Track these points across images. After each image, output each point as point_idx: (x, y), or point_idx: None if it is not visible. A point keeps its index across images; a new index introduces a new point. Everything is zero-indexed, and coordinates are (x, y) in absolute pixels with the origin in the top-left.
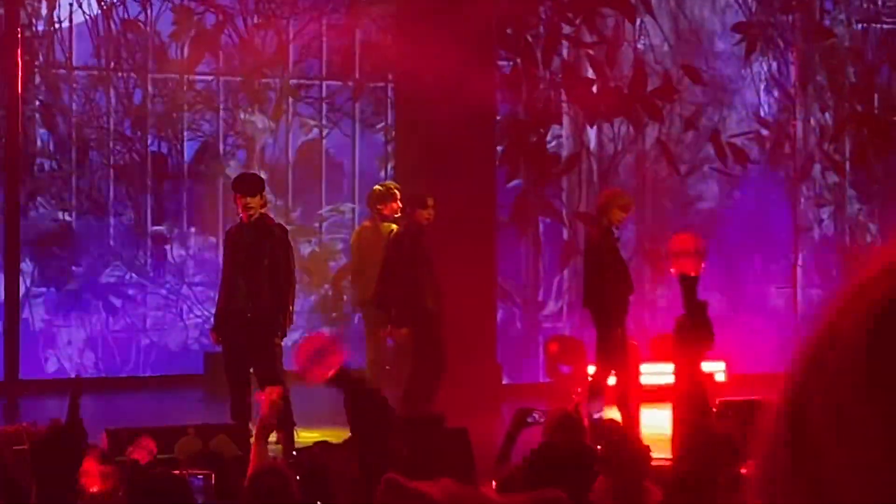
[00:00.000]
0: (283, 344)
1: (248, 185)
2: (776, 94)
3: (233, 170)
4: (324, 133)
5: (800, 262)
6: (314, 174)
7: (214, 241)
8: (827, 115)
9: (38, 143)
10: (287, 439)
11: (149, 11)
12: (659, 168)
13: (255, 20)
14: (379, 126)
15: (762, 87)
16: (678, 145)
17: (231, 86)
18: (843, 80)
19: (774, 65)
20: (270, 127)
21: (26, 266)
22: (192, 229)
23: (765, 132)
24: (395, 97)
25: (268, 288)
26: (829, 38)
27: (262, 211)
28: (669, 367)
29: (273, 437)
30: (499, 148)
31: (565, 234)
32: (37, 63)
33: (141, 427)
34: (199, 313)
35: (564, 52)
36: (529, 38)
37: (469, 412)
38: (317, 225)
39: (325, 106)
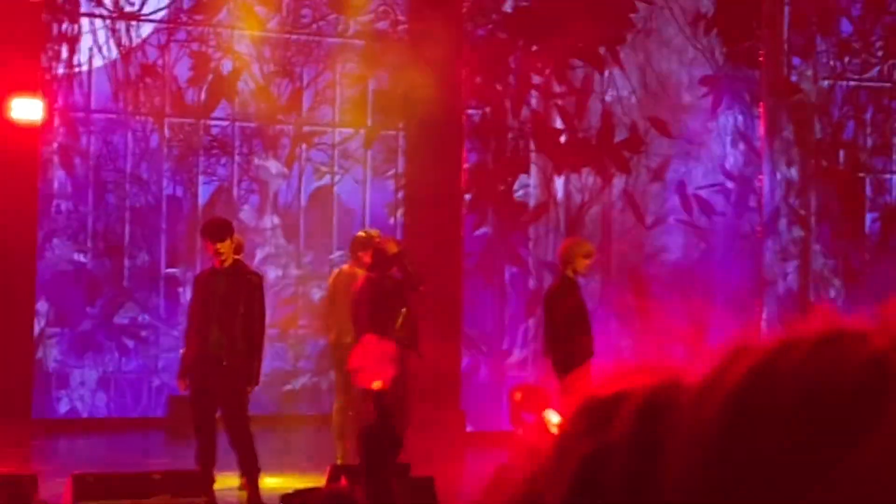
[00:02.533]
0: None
1: (215, 230)
2: (742, 147)
3: (247, 214)
4: (335, 179)
5: (764, 315)
6: (326, 219)
7: None
8: (793, 169)
9: (56, 184)
10: (252, 484)
11: (167, 57)
12: (625, 219)
13: (271, 67)
14: (389, 173)
15: (728, 140)
16: (644, 196)
17: (246, 131)
18: (809, 135)
19: (741, 118)
20: (284, 172)
21: (41, 306)
22: None
23: (730, 185)
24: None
25: (242, 335)
26: (796, 93)
27: (236, 257)
28: None
29: (237, 483)
30: (467, 196)
31: (531, 283)
32: (56, 105)
33: (104, 474)
34: None
35: (533, 102)
36: (499, 88)
37: (433, 459)
38: (327, 270)
39: (337, 152)
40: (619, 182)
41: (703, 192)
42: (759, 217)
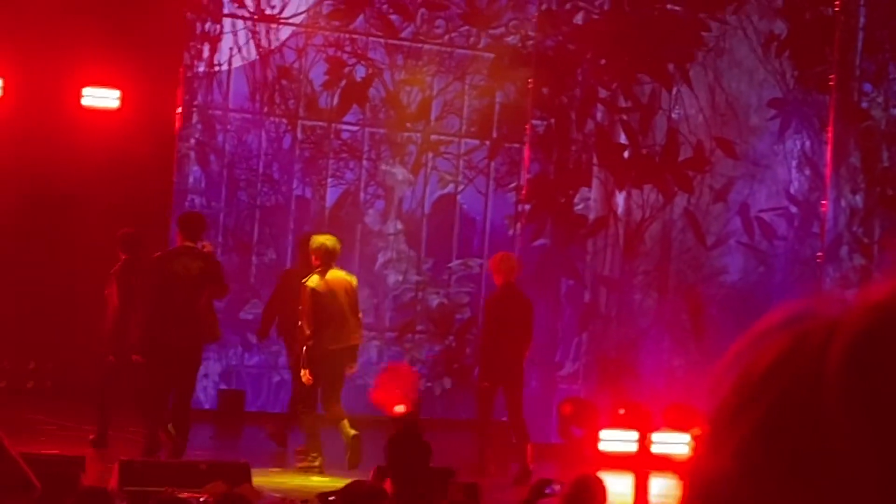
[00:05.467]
0: None
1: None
2: (808, 172)
3: (371, 218)
4: (459, 188)
5: None
6: (447, 228)
7: None
8: (858, 196)
9: (191, 179)
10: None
11: (303, 60)
12: (685, 238)
13: (402, 76)
14: (512, 185)
15: (794, 164)
16: (706, 216)
17: (375, 137)
18: (876, 162)
19: (808, 143)
20: (409, 179)
21: None
22: None
23: (794, 209)
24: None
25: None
26: (865, 120)
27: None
28: (682, 437)
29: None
30: (527, 206)
31: (586, 297)
32: (195, 103)
33: (155, 461)
34: None
35: (598, 116)
36: (565, 100)
37: (479, 467)
38: (446, 277)
39: (462, 162)
40: (680, 200)
41: (765, 215)
42: (820, 243)
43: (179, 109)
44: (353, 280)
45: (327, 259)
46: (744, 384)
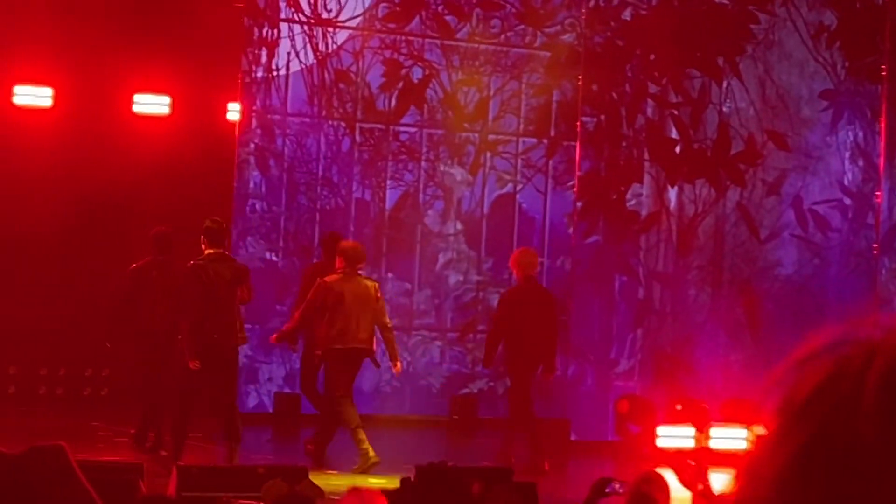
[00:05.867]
0: None
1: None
2: (861, 163)
3: (431, 219)
4: (518, 188)
5: None
6: (507, 227)
7: (410, 287)
8: None
9: (252, 184)
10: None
11: (360, 63)
12: (738, 232)
13: (459, 76)
14: (570, 183)
15: (847, 155)
16: (759, 210)
17: (433, 138)
18: None
19: (861, 133)
20: (468, 179)
21: None
22: (390, 275)
23: (848, 201)
24: None
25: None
26: None
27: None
28: (740, 432)
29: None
30: (578, 203)
31: (640, 293)
32: (254, 108)
33: (213, 466)
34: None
35: (649, 111)
36: (615, 96)
37: (534, 467)
38: (506, 276)
39: (520, 161)
40: (733, 194)
41: (819, 208)
42: (875, 234)
43: (239, 114)
44: (374, 286)
45: (352, 262)
46: (786, 410)
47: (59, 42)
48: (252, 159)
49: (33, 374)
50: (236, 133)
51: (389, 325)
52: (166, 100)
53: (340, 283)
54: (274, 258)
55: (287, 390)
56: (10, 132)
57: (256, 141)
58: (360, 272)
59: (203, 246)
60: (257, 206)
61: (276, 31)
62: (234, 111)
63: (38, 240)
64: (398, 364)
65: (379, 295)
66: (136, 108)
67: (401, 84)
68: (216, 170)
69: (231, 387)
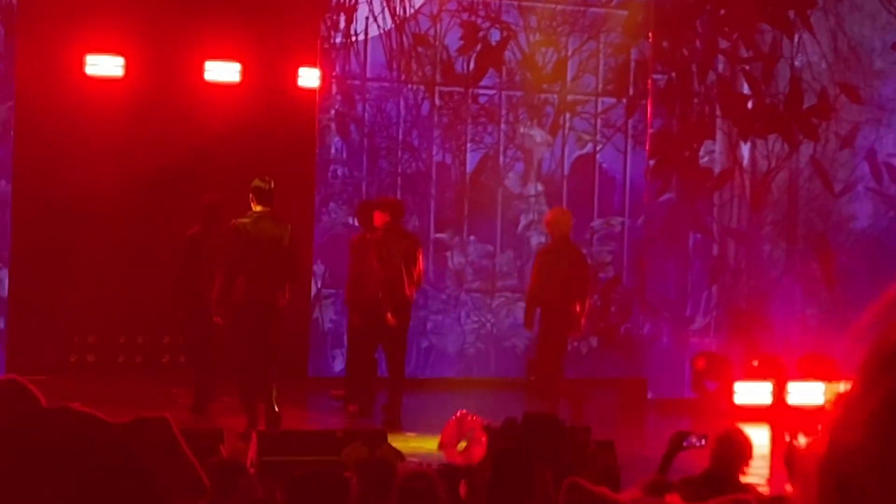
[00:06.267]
0: None
1: None
2: None
3: (511, 181)
4: (597, 148)
5: None
6: (587, 187)
7: (492, 249)
8: None
9: (333, 150)
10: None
11: (438, 27)
12: (812, 186)
13: (537, 37)
14: None
15: None
16: (832, 164)
17: (512, 100)
18: None
19: None
20: (548, 140)
21: (318, 268)
22: (472, 237)
23: None
24: None
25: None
26: None
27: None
28: (817, 387)
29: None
30: (651, 162)
31: (715, 250)
32: (333, 74)
33: (288, 431)
34: (475, 319)
35: (720, 67)
36: (685, 52)
37: (615, 424)
38: (588, 237)
39: (599, 121)
40: (806, 149)
41: (893, 160)
42: None
43: (318, 80)
44: (415, 240)
45: (396, 216)
46: (875, 358)
47: (130, 10)
48: (333, 125)
49: (112, 343)
50: (316, 99)
51: (416, 278)
52: (237, 66)
53: (386, 239)
54: (356, 223)
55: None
56: (82, 102)
57: (337, 107)
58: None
59: (252, 204)
60: (339, 172)
61: None
62: (305, 77)
63: (111, 209)
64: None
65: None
66: (207, 76)
67: (479, 46)
68: (294, 136)
69: (270, 345)
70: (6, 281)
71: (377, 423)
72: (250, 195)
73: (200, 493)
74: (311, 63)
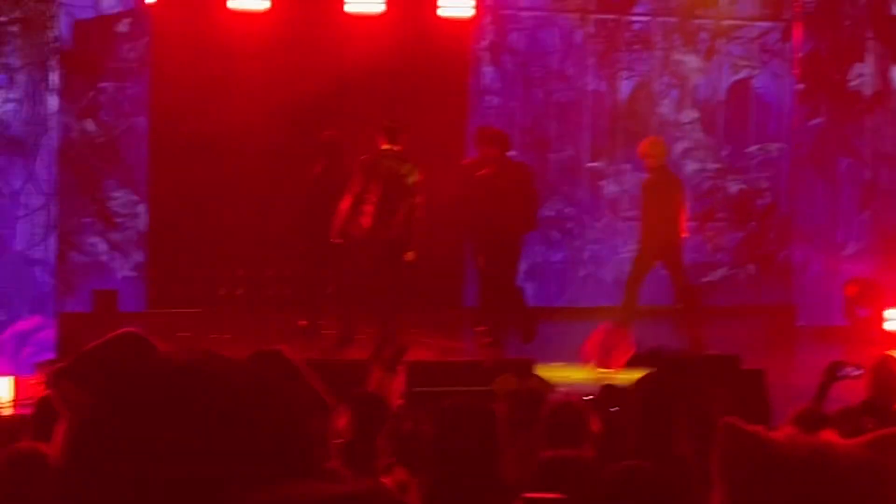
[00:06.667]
0: None
1: None
2: None
3: (666, 108)
4: (753, 73)
5: None
6: (743, 113)
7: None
8: None
9: (487, 80)
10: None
11: None
12: None
13: None
14: None
15: None
16: None
17: (666, 27)
18: None
19: None
20: (703, 67)
21: None
22: (628, 166)
23: None
24: None
25: None
26: None
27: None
28: None
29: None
30: (800, 86)
31: (866, 175)
32: (488, 4)
33: (437, 362)
34: (632, 247)
35: None
36: None
37: (764, 352)
38: (744, 163)
39: (755, 46)
40: None
41: None
42: None
43: (472, 10)
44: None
45: (503, 147)
46: None
47: None
48: (486, 55)
49: (260, 276)
50: (470, 29)
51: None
52: None
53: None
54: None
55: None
56: (225, 37)
57: (490, 37)
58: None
59: (379, 142)
60: (494, 102)
61: None
62: (446, 7)
63: (250, 144)
64: None
65: None
66: (347, 8)
67: None
68: (445, 66)
69: (393, 283)
70: (145, 216)
71: (512, 352)
72: (381, 133)
73: (326, 412)
74: None
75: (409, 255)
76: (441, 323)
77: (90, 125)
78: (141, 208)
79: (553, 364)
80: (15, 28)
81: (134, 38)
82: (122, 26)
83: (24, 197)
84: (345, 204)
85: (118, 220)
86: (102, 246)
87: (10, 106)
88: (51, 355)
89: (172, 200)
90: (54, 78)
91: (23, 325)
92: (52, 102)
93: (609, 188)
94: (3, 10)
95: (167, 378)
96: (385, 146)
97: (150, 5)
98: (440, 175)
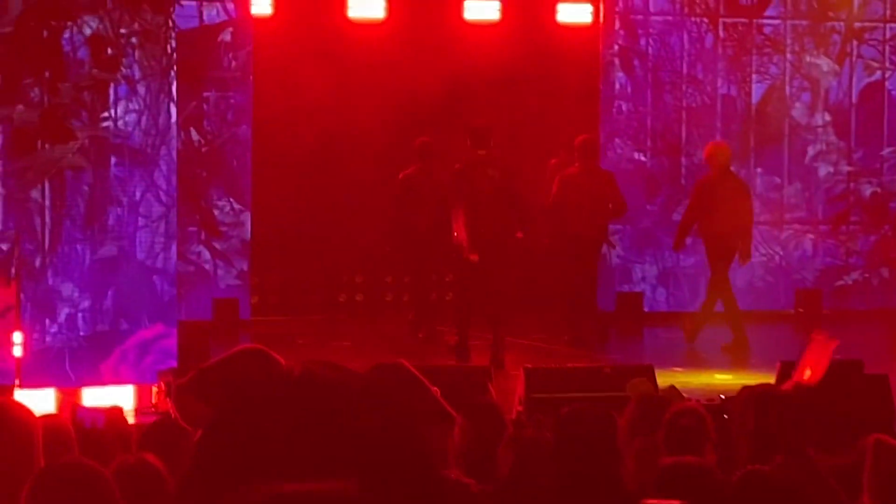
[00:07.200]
0: None
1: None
2: None
3: (798, 111)
4: (886, 75)
5: None
6: (876, 115)
7: (779, 181)
8: None
9: (617, 86)
10: None
11: None
12: None
13: None
14: None
15: None
16: None
17: (798, 29)
18: None
19: None
20: (834, 69)
21: None
22: (759, 170)
23: None
24: None
25: None
26: None
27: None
28: None
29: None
30: None
31: None
32: (617, 10)
33: (555, 368)
34: (764, 252)
35: None
36: None
37: (889, 358)
38: (878, 166)
39: (888, 48)
40: None
41: None
42: None
43: (593, 16)
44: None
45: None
46: None
47: None
48: (616, 61)
49: (379, 282)
50: (599, 34)
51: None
52: (496, 4)
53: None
54: (642, 158)
55: (662, 290)
56: (344, 46)
57: (620, 42)
58: None
59: (469, 148)
60: (623, 108)
61: None
62: (565, 12)
63: (366, 152)
64: None
65: None
66: (466, 16)
67: None
68: (574, 73)
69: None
70: (248, 224)
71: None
72: (467, 138)
73: (445, 422)
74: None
75: (473, 256)
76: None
77: (194, 134)
78: (245, 217)
79: (672, 370)
80: (134, 40)
81: (237, 48)
82: (225, 36)
83: (144, 207)
84: (456, 219)
85: (223, 228)
86: (206, 254)
87: (131, 117)
88: (173, 363)
89: (276, 209)
90: (173, 88)
91: (144, 333)
92: (172, 112)
93: None
94: (122, 22)
95: (288, 391)
96: (474, 150)
97: (253, 15)
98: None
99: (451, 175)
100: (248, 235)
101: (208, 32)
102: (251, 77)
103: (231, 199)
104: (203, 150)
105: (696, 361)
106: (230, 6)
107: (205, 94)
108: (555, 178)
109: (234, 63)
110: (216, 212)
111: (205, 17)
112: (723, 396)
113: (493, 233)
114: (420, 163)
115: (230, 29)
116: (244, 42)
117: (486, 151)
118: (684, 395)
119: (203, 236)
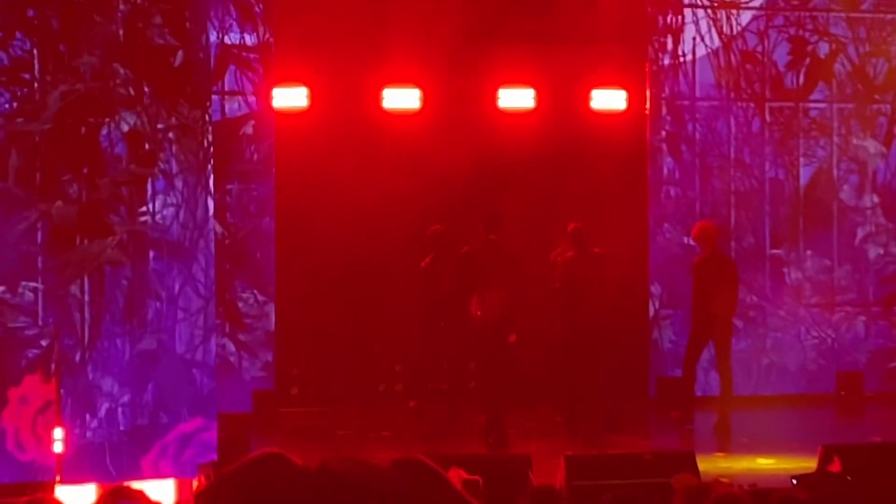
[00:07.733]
0: None
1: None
2: None
3: (846, 194)
4: None
5: None
6: None
7: (829, 263)
8: None
9: (665, 170)
10: None
11: (766, 43)
12: None
13: (867, 48)
14: None
15: None
16: None
17: (844, 112)
18: None
19: None
20: (882, 151)
21: (654, 289)
22: (809, 252)
23: None
24: None
25: None
26: None
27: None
28: None
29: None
30: None
31: None
32: (663, 96)
33: (596, 455)
34: (815, 334)
35: None
36: None
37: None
38: None
39: None
40: None
41: None
42: None
43: (626, 104)
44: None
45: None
46: None
47: (424, 41)
48: (664, 146)
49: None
50: (640, 119)
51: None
52: (531, 92)
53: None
54: (692, 242)
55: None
56: (379, 136)
57: (667, 127)
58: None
59: (482, 232)
60: (671, 192)
61: (680, 17)
62: (598, 99)
63: (404, 240)
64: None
65: None
66: (500, 103)
67: (807, 60)
68: (622, 158)
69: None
70: (273, 315)
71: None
72: (481, 223)
73: None
74: (638, 85)
75: (511, 337)
76: (629, 415)
77: (217, 227)
78: (269, 308)
79: (714, 455)
80: (171, 135)
81: (259, 140)
82: (247, 128)
83: (183, 300)
84: (472, 301)
85: (247, 320)
86: (230, 346)
87: (168, 210)
88: (213, 456)
89: (301, 299)
90: (210, 181)
91: (185, 427)
92: (209, 205)
93: (791, 275)
94: (159, 117)
95: (306, 495)
96: (486, 235)
97: (281, 108)
98: (624, 265)
99: (458, 259)
100: (273, 327)
101: (230, 125)
102: (273, 169)
103: (255, 291)
104: (226, 242)
105: (737, 446)
106: (252, 99)
107: (227, 186)
108: (556, 266)
109: (255, 156)
110: (240, 304)
111: (227, 111)
112: (794, 481)
113: (500, 317)
114: (435, 251)
115: (252, 122)
116: (266, 134)
117: (497, 236)
118: (725, 480)
119: (227, 328)
